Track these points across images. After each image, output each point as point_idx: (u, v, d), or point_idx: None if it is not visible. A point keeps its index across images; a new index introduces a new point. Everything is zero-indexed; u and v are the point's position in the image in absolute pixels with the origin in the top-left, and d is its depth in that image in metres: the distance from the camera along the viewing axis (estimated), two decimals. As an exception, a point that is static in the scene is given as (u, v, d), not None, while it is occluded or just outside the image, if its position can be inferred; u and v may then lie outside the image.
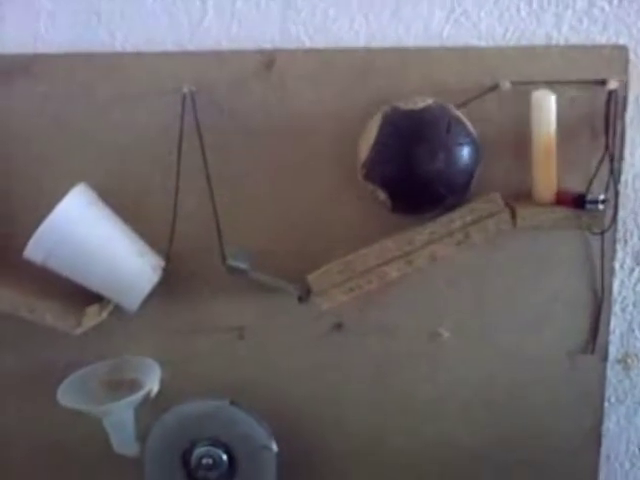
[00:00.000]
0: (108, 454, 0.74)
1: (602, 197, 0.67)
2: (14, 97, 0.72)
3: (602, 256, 0.74)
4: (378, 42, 0.71)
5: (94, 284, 0.71)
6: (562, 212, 0.68)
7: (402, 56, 0.70)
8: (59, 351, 0.77)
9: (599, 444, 0.80)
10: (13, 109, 0.72)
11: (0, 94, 0.72)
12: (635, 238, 0.75)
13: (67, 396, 0.72)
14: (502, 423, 0.80)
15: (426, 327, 0.77)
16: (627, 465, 0.83)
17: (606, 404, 0.80)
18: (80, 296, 0.72)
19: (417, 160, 0.65)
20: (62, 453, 0.80)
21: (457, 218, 0.68)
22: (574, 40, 0.70)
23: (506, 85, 0.69)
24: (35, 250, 0.67)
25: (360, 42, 0.71)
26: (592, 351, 0.77)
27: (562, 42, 0.70)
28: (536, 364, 0.78)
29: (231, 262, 0.70)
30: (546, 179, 0.69)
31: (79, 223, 0.67)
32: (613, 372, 0.79)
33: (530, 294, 0.76)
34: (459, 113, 0.67)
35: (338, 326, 0.77)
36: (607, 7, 0.69)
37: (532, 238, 0.74)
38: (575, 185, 0.70)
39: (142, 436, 0.75)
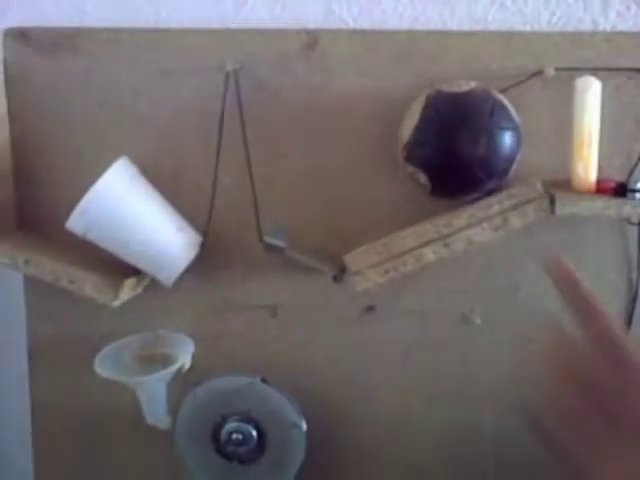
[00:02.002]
0: (140, 426, 0.76)
1: (644, 186, 0.67)
2: (58, 71, 0.73)
3: (639, 247, 0.74)
4: (422, 25, 0.71)
5: (132, 258, 0.72)
6: (602, 201, 0.68)
7: (445, 39, 0.70)
8: (94, 323, 0.78)
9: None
10: (57, 83, 0.73)
11: (44, 68, 0.73)
12: (673, 229, 0.75)
13: (103, 367, 0.73)
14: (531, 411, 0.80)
15: (458, 312, 0.77)
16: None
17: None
18: (117, 269, 0.73)
19: (459, 143, 0.65)
20: (95, 422, 0.81)
21: (495, 203, 0.68)
22: (621, 27, 0.69)
23: (550, 71, 0.68)
24: (77, 222, 0.67)
25: (404, 24, 0.71)
26: (624, 342, 0.77)
27: (608, 29, 0.69)
28: (567, 353, 0.78)
29: (268, 239, 0.71)
30: (586, 167, 0.69)
31: (120, 197, 0.68)
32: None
33: (564, 283, 0.76)
34: (502, 97, 0.67)
35: (370, 308, 0.77)
36: (655, -6, 0.69)
37: (568, 226, 0.74)
38: (616, 174, 0.70)
39: (174, 409, 0.76)
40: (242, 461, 0.77)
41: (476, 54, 0.70)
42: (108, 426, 0.81)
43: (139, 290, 0.76)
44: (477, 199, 0.69)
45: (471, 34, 0.70)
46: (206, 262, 0.75)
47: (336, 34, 0.71)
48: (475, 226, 0.69)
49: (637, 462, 0.43)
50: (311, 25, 0.71)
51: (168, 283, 0.73)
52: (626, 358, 0.45)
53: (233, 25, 0.72)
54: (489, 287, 0.76)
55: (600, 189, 0.69)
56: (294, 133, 0.73)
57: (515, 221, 0.68)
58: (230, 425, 0.76)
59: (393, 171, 0.71)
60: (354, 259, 0.70)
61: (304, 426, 0.75)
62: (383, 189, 0.73)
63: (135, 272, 0.73)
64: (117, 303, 0.71)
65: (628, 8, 0.69)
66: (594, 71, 0.67)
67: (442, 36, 0.70)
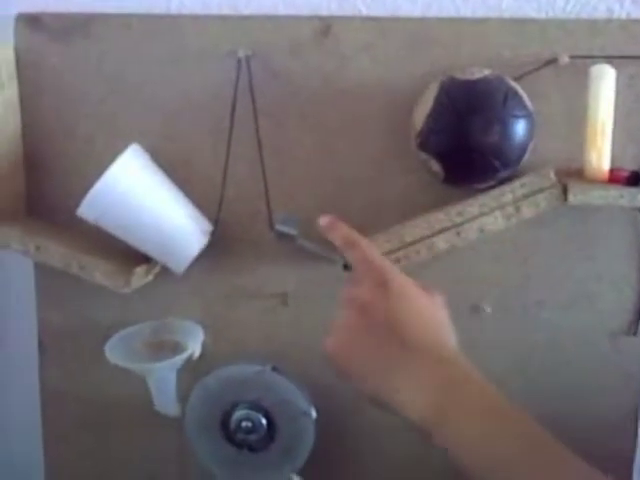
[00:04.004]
0: (150, 413, 0.76)
1: (657, 175, 0.66)
2: (71, 56, 0.73)
3: (651, 237, 0.74)
4: (435, 12, 0.70)
5: (144, 245, 0.72)
6: (615, 190, 0.67)
7: (459, 26, 0.70)
8: (104, 310, 0.78)
9: (637, 426, 0.80)
10: (69, 68, 0.73)
11: (57, 53, 0.73)
12: (686, 220, 0.74)
13: (113, 354, 0.73)
14: (539, 401, 0.80)
15: (468, 301, 0.77)
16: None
17: (646, 386, 0.79)
18: (128, 256, 0.73)
19: (472, 131, 0.65)
20: (105, 410, 0.81)
21: (508, 191, 0.68)
22: (636, 15, 0.69)
23: (564, 59, 0.68)
24: (89, 209, 0.67)
25: (417, 11, 0.71)
26: (635, 333, 0.77)
27: (624, 16, 0.69)
28: (577, 343, 0.78)
29: (280, 227, 0.71)
30: (600, 156, 0.68)
31: (132, 184, 0.68)
32: (656, 354, 0.79)
33: (575, 273, 0.76)
34: (516, 85, 0.66)
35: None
36: (671, -18, 0.68)
37: (580, 216, 0.73)
38: (629, 164, 0.69)
39: (183, 397, 0.76)
40: (252, 449, 0.77)
41: (490, 41, 0.69)
42: (118, 413, 0.81)
43: (149, 278, 0.76)
44: (489, 187, 0.69)
45: (485, 21, 0.70)
46: (216, 250, 0.74)
47: (349, 21, 0.71)
48: (487, 215, 0.68)
49: (419, 372, 0.46)
50: (324, 12, 0.71)
51: (179, 271, 0.73)
52: (387, 279, 0.49)
53: (245, 11, 0.72)
54: (500, 276, 0.76)
55: (613, 178, 0.68)
56: (306, 120, 0.73)
57: (527, 210, 0.68)
58: (240, 413, 0.76)
59: (406, 159, 0.71)
60: (365, 247, 0.70)
61: (314, 414, 0.75)
62: (396, 177, 0.73)
63: (146, 260, 0.73)
64: (127, 290, 0.71)
65: (643, -5, 0.68)
66: (609, 59, 0.67)
67: (455, 23, 0.70)
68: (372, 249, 0.53)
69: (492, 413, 0.45)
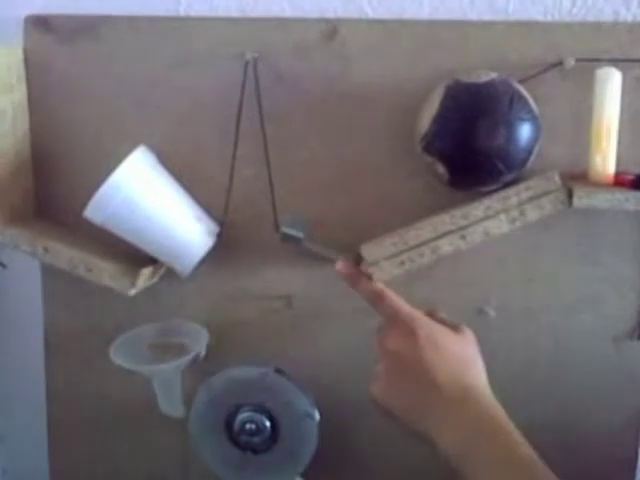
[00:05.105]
0: (155, 415, 0.76)
1: (662, 179, 0.66)
2: (79, 58, 0.73)
3: (656, 241, 0.73)
4: (441, 15, 0.71)
5: (150, 247, 0.72)
6: (620, 193, 0.67)
7: (465, 30, 0.70)
8: (110, 312, 0.79)
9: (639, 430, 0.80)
10: (78, 70, 0.74)
11: (65, 55, 0.73)
12: (691, 224, 0.74)
13: (118, 356, 0.73)
14: (543, 404, 0.80)
15: (472, 304, 0.77)
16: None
17: (650, 390, 0.79)
18: (134, 258, 0.73)
19: (477, 134, 0.65)
20: (110, 411, 0.81)
21: (513, 195, 0.68)
22: (642, 18, 0.69)
23: (570, 62, 0.68)
24: (95, 211, 0.68)
25: (423, 14, 0.71)
26: (639, 337, 0.77)
27: (630, 19, 0.69)
28: (581, 347, 0.78)
29: (285, 229, 0.71)
30: (605, 159, 0.68)
31: (139, 186, 0.68)
32: (659, 359, 0.79)
33: (579, 276, 0.76)
34: (522, 88, 0.66)
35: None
36: (677, -15, 0.68)
37: (585, 219, 0.74)
38: (635, 167, 0.69)
39: (188, 399, 0.76)
40: (255, 451, 0.77)
41: (496, 44, 0.69)
42: (123, 414, 0.81)
43: (155, 279, 0.76)
44: (494, 191, 0.68)
45: (491, 24, 0.70)
46: (222, 252, 0.75)
47: (355, 24, 0.71)
48: (492, 218, 0.68)
49: (446, 411, 0.52)
50: (330, 15, 0.71)
51: (185, 273, 0.73)
52: (415, 327, 0.56)
53: (252, 14, 0.72)
54: (504, 279, 0.76)
55: (618, 182, 0.68)
56: (312, 123, 0.73)
57: (532, 213, 0.68)
58: (244, 415, 0.76)
59: (411, 162, 0.71)
60: (370, 250, 0.70)
61: (317, 417, 0.75)
62: (401, 180, 0.73)
63: (151, 261, 0.74)
64: (133, 292, 0.71)
65: (650, -1, 0.68)
66: (614, 62, 0.67)
67: (462, 26, 0.70)
68: (398, 299, 0.60)
69: (504, 457, 0.51)
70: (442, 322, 0.63)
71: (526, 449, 0.51)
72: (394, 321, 0.58)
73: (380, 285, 0.61)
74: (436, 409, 0.52)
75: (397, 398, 0.55)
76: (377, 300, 0.60)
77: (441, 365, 0.54)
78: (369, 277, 0.65)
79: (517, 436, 0.52)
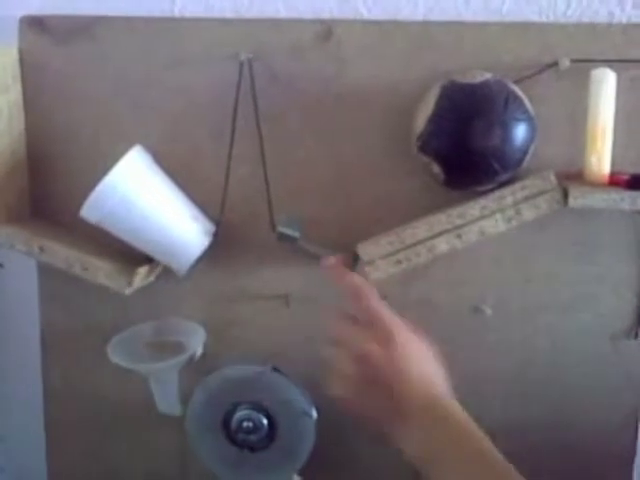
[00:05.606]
0: (152, 413, 0.76)
1: (657, 179, 0.67)
2: (74, 58, 0.73)
3: (651, 240, 0.74)
4: (436, 15, 0.71)
5: (146, 246, 0.72)
6: (615, 193, 0.68)
7: (460, 30, 0.70)
8: (106, 310, 0.79)
9: (637, 428, 0.80)
10: (73, 70, 0.74)
11: (61, 55, 0.73)
12: (686, 223, 0.75)
13: (115, 354, 0.73)
14: (540, 403, 0.80)
15: (468, 303, 0.77)
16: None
17: (646, 388, 0.80)
18: (130, 257, 0.73)
19: (473, 134, 0.65)
20: (107, 410, 0.82)
21: (508, 194, 0.68)
22: (636, 19, 0.69)
23: (565, 63, 0.68)
24: (91, 211, 0.68)
25: (418, 15, 0.71)
26: (635, 335, 0.77)
27: (624, 20, 0.69)
28: (578, 346, 0.78)
29: (282, 229, 0.71)
30: (600, 159, 0.68)
31: (134, 185, 0.68)
32: (656, 357, 0.79)
33: (575, 275, 0.76)
34: (517, 89, 0.67)
35: (382, 298, 0.77)
36: (672, -14, 0.68)
37: (581, 219, 0.74)
38: (630, 167, 0.69)
39: (185, 397, 0.77)
40: (252, 449, 0.77)
41: (491, 45, 0.70)
42: (120, 413, 0.82)
43: (151, 278, 0.76)
44: (490, 190, 0.69)
45: (486, 25, 0.70)
46: (218, 251, 0.75)
47: (350, 24, 0.71)
48: (488, 217, 0.69)
49: (412, 417, 0.52)
50: (325, 15, 0.71)
51: (181, 272, 0.73)
52: (392, 333, 0.55)
53: (247, 15, 0.72)
54: (500, 278, 0.76)
55: (613, 182, 0.68)
56: (307, 123, 0.73)
57: (528, 213, 0.68)
58: (241, 413, 0.76)
59: (407, 162, 0.71)
60: (367, 249, 0.70)
61: (314, 415, 0.76)
62: (396, 180, 0.74)
63: (148, 260, 0.74)
64: (130, 291, 0.72)
65: (644, 0, 0.68)
66: (609, 63, 0.67)
67: (457, 27, 0.70)
68: (378, 302, 0.59)
69: (472, 462, 0.52)
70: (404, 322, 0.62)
71: (496, 455, 0.51)
72: (371, 324, 0.57)
73: (364, 283, 0.60)
74: (404, 416, 0.53)
75: (365, 400, 0.55)
76: (358, 299, 0.59)
77: (413, 374, 0.54)
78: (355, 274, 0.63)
79: (486, 442, 0.52)
